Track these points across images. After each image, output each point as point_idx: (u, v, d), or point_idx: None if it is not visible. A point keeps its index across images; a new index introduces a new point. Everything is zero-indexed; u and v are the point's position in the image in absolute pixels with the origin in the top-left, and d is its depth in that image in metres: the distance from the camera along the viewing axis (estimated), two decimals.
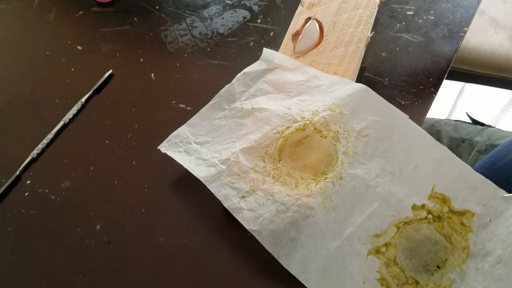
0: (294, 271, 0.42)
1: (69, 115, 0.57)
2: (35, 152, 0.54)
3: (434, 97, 0.55)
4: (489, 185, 0.43)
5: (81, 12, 0.71)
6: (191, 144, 0.50)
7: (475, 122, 0.77)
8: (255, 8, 0.68)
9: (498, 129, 0.72)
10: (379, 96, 0.49)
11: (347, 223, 0.43)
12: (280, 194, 0.45)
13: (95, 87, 0.60)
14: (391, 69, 0.58)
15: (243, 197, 0.45)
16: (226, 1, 0.69)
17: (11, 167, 0.53)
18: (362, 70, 0.58)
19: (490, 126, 0.74)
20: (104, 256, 0.46)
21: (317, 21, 0.60)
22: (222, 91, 0.53)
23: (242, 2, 0.69)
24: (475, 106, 1.64)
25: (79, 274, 0.45)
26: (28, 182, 0.52)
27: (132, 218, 0.49)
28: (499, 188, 0.42)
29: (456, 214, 0.43)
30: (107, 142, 0.55)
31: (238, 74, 0.54)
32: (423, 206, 0.43)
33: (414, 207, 0.44)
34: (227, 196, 0.45)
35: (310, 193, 0.44)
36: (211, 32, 0.66)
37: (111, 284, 0.45)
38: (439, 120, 0.79)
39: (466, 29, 0.62)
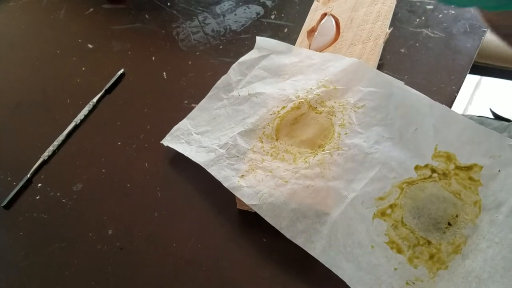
0: (298, 241, 0.41)
1: (81, 115, 0.56)
2: (46, 154, 0.53)
3: (456, 96, 0.54)
4: (495, 136, 0.42)
5: (91, 9, 0.69)
6: (192, 135, 0.51)
7: (498, 117, 0.74)
8: (269, 3, 0.66)
9: None
10: (373, 68, 0.49)
11: (349, 189, 0.43)
12: (279, 170, 0.45)
13: (106, 87, 0.58)
14: (411, 66, 0.56)
15: (242, 176, 0.45)
16: None
17: (22, 169, 0.52)
18: (380, 67, 0.56)
19: None
20: (117, 262, 0.45)
21: (334, 17, 0.58)
22: (219, 82, 0.55)
23: None
24: (492, 100, 1.61)
25: (91, 280, 0.44)
26: (39, 185, 0.51)
27: (144, 222, 0.48)
28: (505, 137, 0.41)
29: (463, 170, 0.41)
30: (119, 143, 0.54)
31: (233, 64, 0.55)
32: (426, 165, 0.42)
33: (417, 168, 0.43)
34: (227, 177, 0.46)
35: (308, 166, 0.44)
36: (224, 29, 0.65)
37: None
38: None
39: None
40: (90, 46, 0.65)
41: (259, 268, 0.44)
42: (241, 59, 0.56)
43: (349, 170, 0.43)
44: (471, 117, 0.74)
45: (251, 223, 0.46)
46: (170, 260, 0.45)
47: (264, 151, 0.47)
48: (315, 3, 0.61)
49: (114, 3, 0.70)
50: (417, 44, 0.58)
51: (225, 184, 0.45)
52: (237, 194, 0.44)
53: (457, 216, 0.40)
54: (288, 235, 0.42)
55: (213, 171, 0.46)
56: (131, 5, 0.69)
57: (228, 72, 0.55)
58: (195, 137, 0.51)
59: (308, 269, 0.43)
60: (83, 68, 0.62)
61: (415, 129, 0.44)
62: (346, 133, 0.46)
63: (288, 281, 0.43)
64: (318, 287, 0.43)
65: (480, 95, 1.64)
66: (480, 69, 1.13)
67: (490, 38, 1.05)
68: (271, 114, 0.49)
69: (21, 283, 0.45)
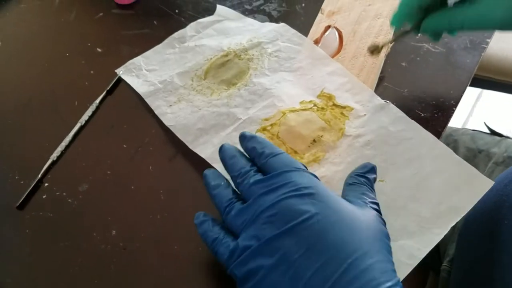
0: (197, 150, 0.52)
1: (85, 116, 0.58)
2: (55, 155, 0.54)
3: (454, 110, 0.55)
4: (369, 92, 0.53)
5: (101, 14, 0.71)
6: (142, 70, 0.62)
7: (493, 132, 0.76)
8: (274, 14, 0.68)
9: None
10: (294, 30, 0.61)
11: (244, 114, 0.54)
12: (197, 101, 0.56)
13: (108, 88, 0.60)
14: (411, 79, 0.58)
15: (170, 105, 0.57)
16: (245, 6, 0.69)
17: (30, 168, 0.54)
18: (381, 80, 0.57)
19: (508, 138, 0.72)
20: (120, 262, 0.47)
21: (337, 29, 0.59)
22: (175, 33, 0.65)
23: (262, 8, 0.69)
24: (493, 113, 1.62)
25: (94, 279, 0.46)
26: (46, 184, 0.53)
27: (147, 224, 0.49)
28: (376, 95, 0.53)
29: (338, 107, 0.53)
30: (125, 146, 0.55)
31: (192, 23, 0.66)
32: (310, 101, 0.54)
33: (302, 102, 0.54)
34: (159, 106, 0.57)
35: (219, 98, 0.56)
36: None
37: None
38: (457, 130, 0.78)
39: (488, 40, 0.61)
40: (99, 50, 0.66)
41: None
42: (200, 20, 0.67)
43: (249, 101, 0.55)
44: (465, 131, 0.76)
45: None
46: (171, 261, 0.47)
47: (192, 87, 0.58)
48: (319, 15, 0.63)
49: (124, 9, 0.71)
50: (418, 58, 0.60)
51: (156, 112, 0.57)
52: (162, 118, 0.56)
53: (321, 136, 0.51)
54: (191, 146, 0.53)
55: (149, 101, 0.58)
56: (140, 11, 0.71)
57: (186, 28, 0.66)
58: (144, 73, 0.61)
59: None
60: (92, 71, 0.64)
61: (311, 76, 0.56)
62: (255, 74, 0.57)
63: None
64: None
65: (481, 108, 1.65)
66: (481, 82, 1.15)
67: (492, 52, 1.07)
68: (204, 60, 0.60)
69: (25, 280, 0.47)
